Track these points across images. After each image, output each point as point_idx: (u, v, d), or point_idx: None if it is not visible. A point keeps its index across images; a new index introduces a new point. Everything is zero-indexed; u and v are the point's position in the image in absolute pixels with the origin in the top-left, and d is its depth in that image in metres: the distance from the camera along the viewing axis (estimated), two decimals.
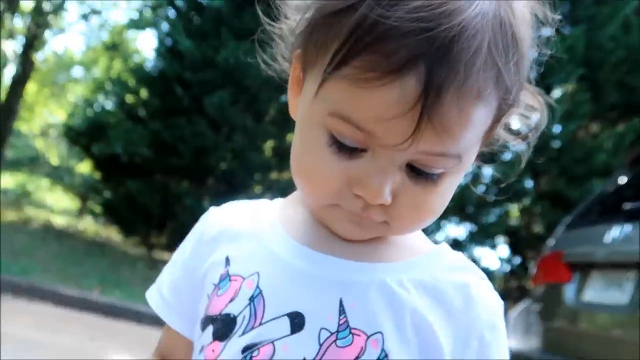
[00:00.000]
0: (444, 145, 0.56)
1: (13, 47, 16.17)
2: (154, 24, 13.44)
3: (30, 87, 19.06)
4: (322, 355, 0.61)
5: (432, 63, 0.52)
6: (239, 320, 0.65)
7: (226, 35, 8.84)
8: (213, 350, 0.65)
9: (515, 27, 0.58)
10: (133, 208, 10.11)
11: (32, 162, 28.91)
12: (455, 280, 0.66)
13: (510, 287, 11.48)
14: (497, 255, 11.50)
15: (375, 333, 0.62)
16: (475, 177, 11.14)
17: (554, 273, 3.88)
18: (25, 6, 15.54)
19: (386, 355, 0.61)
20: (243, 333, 0.64)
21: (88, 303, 6.49)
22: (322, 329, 0.62)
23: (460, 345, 0.64)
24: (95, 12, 18.66)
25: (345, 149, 0.58)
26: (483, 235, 10.61)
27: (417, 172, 0.58)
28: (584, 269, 3.61)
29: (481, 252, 11.39)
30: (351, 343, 0.61)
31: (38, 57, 17.52)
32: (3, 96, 15.88)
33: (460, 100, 0.54)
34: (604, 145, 10.14)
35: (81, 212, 15.99)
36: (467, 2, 0.54)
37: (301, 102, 0.62)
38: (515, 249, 11.44)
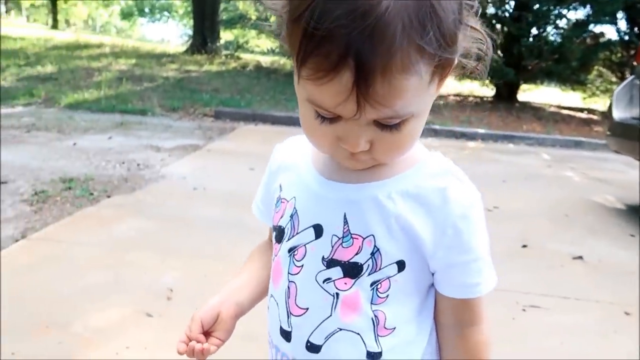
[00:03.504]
0: (387, 112, 0.55)
1: None
2: None
3: None
4: (334, 254, 0.65)
5: (358, 57, 0.50)
6: (285, 230, 0.70)
7: None
8: (276, 248, 0.73)
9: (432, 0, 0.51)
10: None
11: (241, 19, 29.66)
12: (435, 185, 0.65)
13: (628, 55, 9.95)
14: (615, 29, 9.85)
15: (369, 235, 0.64)
16: None
17: None
18: None
19: (378, 250, 0.64)
20: (288, 239, 0.69)
21: (294, 120, 6.93)
22: (333, 235, 0.65)
23: (439, 235, 0.64)
24: None
25: (326, 119, 0.58)
26: (601, 14, 9.07)
27: (382, 125, 0.57)
28: None
29: (601, 28, 9.80)
30: (352, 244, 0.65)
31: None
32: None
33: (387, 79, 0.51)
34: None
35: (280, 52, 16.38)
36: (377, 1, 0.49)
37: (295, 79, 0.61)
38: (632, 22, 9.68)
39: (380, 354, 0.66)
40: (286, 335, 0.70)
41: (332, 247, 0.65)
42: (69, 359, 1.68)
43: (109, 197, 3.38)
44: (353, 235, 0.65)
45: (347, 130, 0.58)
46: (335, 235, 0.65)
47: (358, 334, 0.66)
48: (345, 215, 0.65)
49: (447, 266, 0.65)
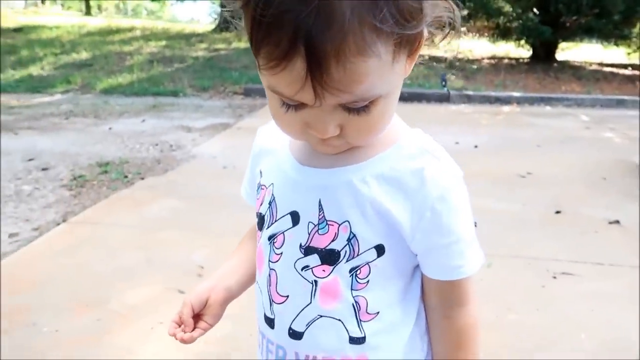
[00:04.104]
0: (348, 97, 0.52)
1: None
2: None
3: None
4: (310, 241, 0.64)
5: (308, 43, 0.47)
6: (265, 218, 0.69)
7: None
8: (258, 235, 0.72)
9: None
10: None
11: None
12: (412, 166, 0.62)
13: None
14: None
15: (344, 221, 0.63)
16: None
17: None
18: None
19: (354, 236, 0.63)
20: (267, 227, 0.69)
21: None
22: (309, 222, 0.64)
23: (417, 218, 0.62)
24: None
25: (291, 107, 0.55)
26: None
27: (349, 109, 0.54)
28: None
29: None
30: (328, 231, 0.63)
31: None
32: None
33: (341, 64, 0.49)
34: None
35: None
36: None
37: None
38: None
39: (363, 338, 0.66)
40: (270, 322, 0.70)
41: (309, 234, 0.64)
42: (107, 335, 1.78)
43: (142, 179, 3.49)
44: (329, 222, 0.63)
45: (314, 116, 0.55)
46: (312, 222, 0.64)
47: (339, 320, 0.65)
48: (320, 202, 0.64)
49: (428, 249, 0.64)
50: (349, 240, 0.63)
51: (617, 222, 2.79)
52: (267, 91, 0.58)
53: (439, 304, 0.68)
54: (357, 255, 0.63)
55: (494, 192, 3.20)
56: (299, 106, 0.55)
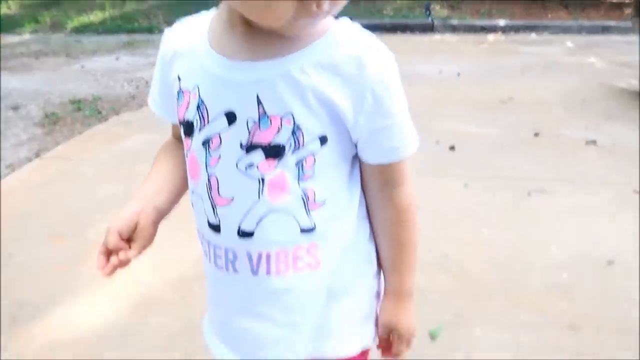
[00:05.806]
0: None
1: None
2: None
3: None
4: (252, 138, 0.62)
5: None
6: (194, 123, 0.66)
7: None
8: (187, 143, 0.68)
9: None
10: None
11: None
12: (348, 53, 0.61)
13: None
14: None
15: (287, 113, 0.61)
16: None
17: None
18: None
19: (298, 127, 0.61)
20: (199, 131, 0.65)
21: None
22: (247, 119, 0.62)
23: (358, 102, 0.61)
24: None
25: None
26: None
27: None
28: None
29: None
30: (270, 125, 0.62)
31: None
32: None
33: None
34: None
35: None
36: None
37: None
38: None
39: (313, 228, 0.66)
40: (215, 227, 0.68)
41: (249, 131, 0.62)
42: (80, 265, 1.78)
43: (117, 114, 3.41)
44: (270, 116, 0.61)
45: None
46: (251, 119, 0.62)
47: (289, 213, 0.65)
48: (258, 96, 0.61)
49: (370, 132, 0.64)
50: (293, 132, 0.62)
51: (594, 142, 2.80)
52: None
53: (379, 187, 0.69)
54: (302, 146, 0.62)
55: (475, 118, 3.18)
56: None
